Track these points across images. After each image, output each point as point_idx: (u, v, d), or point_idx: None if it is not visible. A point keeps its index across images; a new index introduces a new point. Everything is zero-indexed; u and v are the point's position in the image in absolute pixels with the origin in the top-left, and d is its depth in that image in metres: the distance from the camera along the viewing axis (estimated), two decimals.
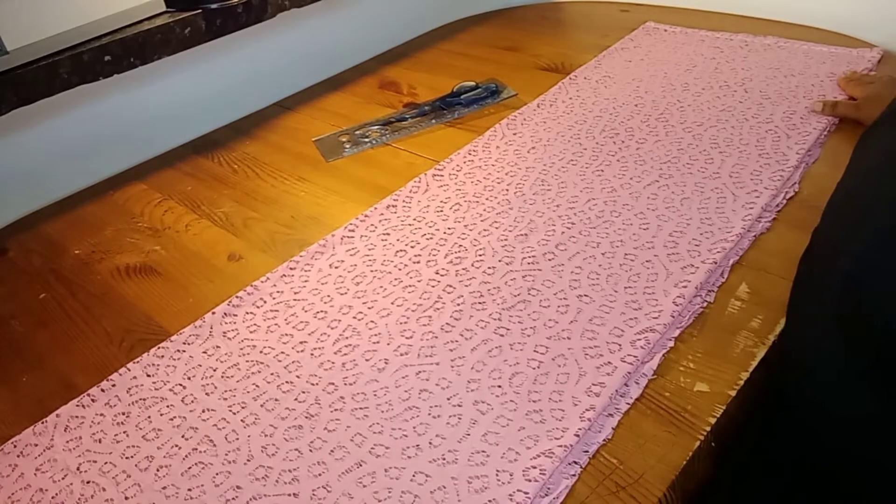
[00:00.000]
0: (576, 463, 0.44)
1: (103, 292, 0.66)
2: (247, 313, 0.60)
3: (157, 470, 0.47)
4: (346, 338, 0.56)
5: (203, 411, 0.51)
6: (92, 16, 0.82)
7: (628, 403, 0.47)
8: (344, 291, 0.61)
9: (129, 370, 0.55)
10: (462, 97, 0.91)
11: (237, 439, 0.49)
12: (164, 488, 0.46)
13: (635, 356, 0.50)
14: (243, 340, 0.57)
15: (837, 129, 0.75)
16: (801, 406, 0.44)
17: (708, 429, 0.45)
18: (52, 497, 0.46)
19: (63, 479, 0.48)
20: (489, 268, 0.61)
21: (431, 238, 0.66)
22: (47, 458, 0.49)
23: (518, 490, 0.42)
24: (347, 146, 0.85)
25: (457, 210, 0.70)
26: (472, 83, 0.93)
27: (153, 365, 0.56)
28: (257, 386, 0.53)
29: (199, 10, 0.82)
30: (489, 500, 0.42)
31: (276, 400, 0.51)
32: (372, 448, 0.47)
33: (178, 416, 0.51)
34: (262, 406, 0.51)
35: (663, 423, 0.46)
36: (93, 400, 0.53)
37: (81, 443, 0.50)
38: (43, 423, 0.52)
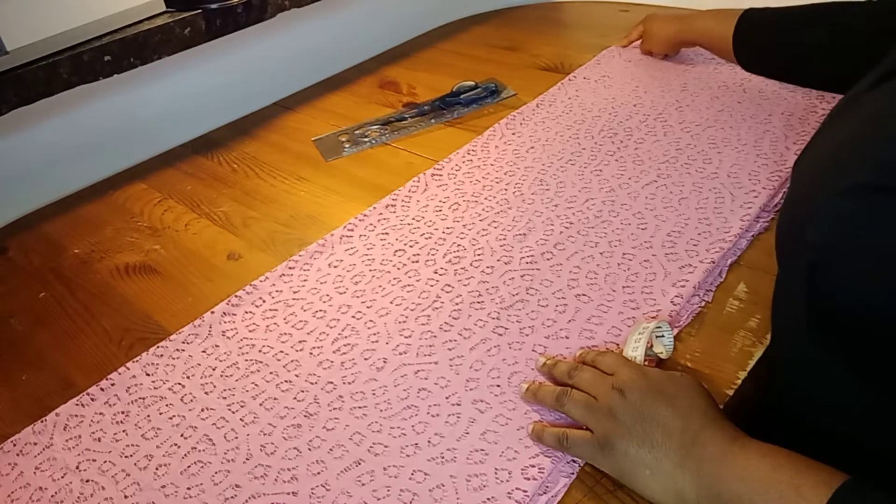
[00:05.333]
0: (574, 462, 0.44)
1: (103, 291, 0.66)
2: (246, 312, 0.60)
3: (157, 469, 0.47)
4: (345, 337, 0.56)
5: (202, 410, 0.51)
6: (92, 16, 0.82)
7: None
8: (343, 291, 0.61)
9: (129, 369, 0.55)
10: (461, 97, 0.91)
11: (236, 438, 0.49)
12: (164, 487, 0.46)
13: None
14: (242, 339, 0.57)
15: None
16: (790, 399, 0.44)
17: None
18: (52, 496, 0.46)
19: (62, 477, 0.48)
20: (488, 267, 0.61)
21: (430, 237, 0.66)
22: (46, 457, 0.49)
23: (517, 488, 0.43)
24: (347, 146, 0.85)
25: (455, 209, 0.70)
26: (472, 83, 0.93)
27: (152, 364, 0.56)
28: (256, 385, 0.53)
29: (199, 10, 0.82)
30: (488, 499, 0.42)
31: (275, 399, 0.51)
32: (371, 447, 0.47)
33: (178, 414, 0.51)
34: (260, 405, 0.51)
35: None
36: (92, 399, 0.53)
37: (81, 441, 0.50)
38: (42, 421, 0.52)
